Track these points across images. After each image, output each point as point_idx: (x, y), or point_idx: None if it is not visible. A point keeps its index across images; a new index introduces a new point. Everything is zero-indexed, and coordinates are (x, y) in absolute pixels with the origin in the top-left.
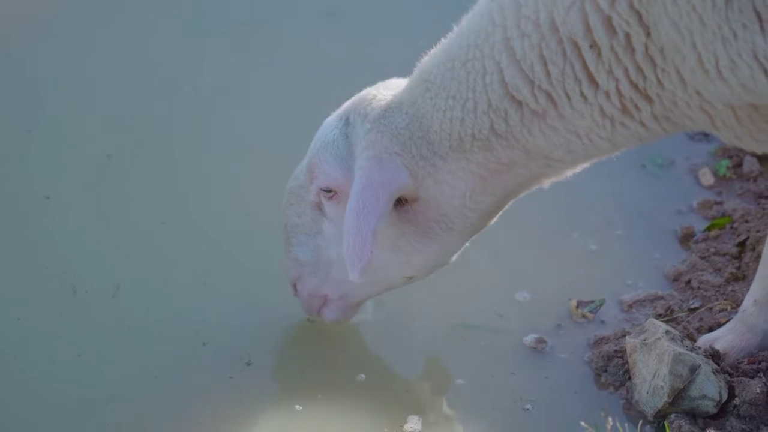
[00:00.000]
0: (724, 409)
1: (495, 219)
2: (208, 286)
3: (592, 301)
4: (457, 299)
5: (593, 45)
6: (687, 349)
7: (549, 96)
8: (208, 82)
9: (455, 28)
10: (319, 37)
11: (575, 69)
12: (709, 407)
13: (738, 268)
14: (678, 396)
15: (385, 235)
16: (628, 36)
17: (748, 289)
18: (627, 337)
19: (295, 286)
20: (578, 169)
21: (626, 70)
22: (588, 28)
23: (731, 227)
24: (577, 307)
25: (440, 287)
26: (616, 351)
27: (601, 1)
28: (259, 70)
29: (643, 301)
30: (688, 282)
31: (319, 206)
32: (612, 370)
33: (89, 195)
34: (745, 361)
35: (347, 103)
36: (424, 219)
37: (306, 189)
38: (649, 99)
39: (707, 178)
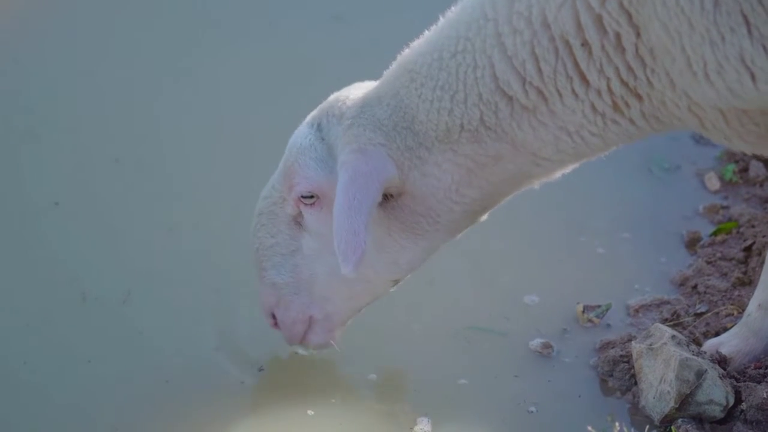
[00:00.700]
0: (730, 414)
1: (484, 217)
2: (219, 293)
3: (599, 306)
4: (465, 302)
5: (584, 43)
6: (693, 354)
7: (540, 92)
8: (216, 87)
9: (441, 21)
10: (324, 41)
11: (567, 67)
12: (716, 412)
13: (744, 273)
14: (685, 401)
15: (371, 237)
16: (618, 35)
17: None
18: (633, 342)
19: (273, 316)
20: (567, 169)
21: (617, 69)
22: (579, 26)
23: (737, 232)
24: (584, 311)
25: (449, 290)
26: (622, 356)
27: (591, 0)
28: (265, 75)
29: (650, 305)
30: (695, 287)
31: (296, 220)
32: (618, 374)
33: (98, 201)
34: (752, 365)
35: (314, 112)
36: (410, 213)
37: (281, 204)
38: (639, 97)
39: (713, 182)
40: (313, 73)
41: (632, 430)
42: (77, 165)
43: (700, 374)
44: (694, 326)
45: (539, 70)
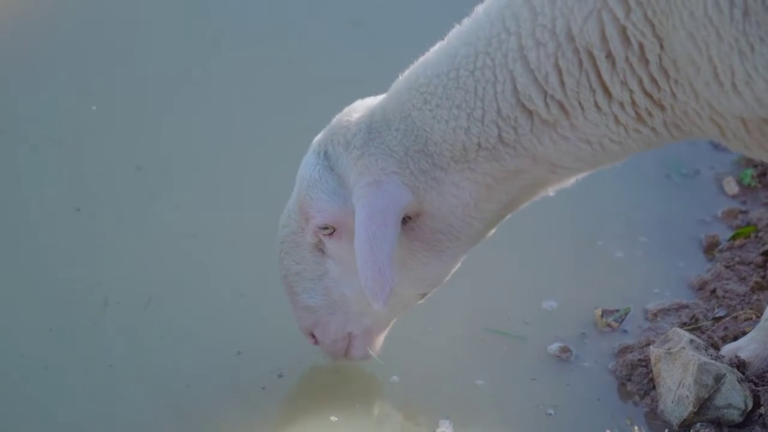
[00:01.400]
0: (749, 418)
1: (494, 230)
2: (242, 299)
3: (617, 310)
4: (484, 306)
5: (609, 55)
6: (711, 358)
7: (561, 106)
8: (235, 92)
9: (448, 39)
10: (344, 46)
11: (590, 79)
12: (735, 416)
13: (763, 278)
14: (703, 405)
15: (395, 258)
16: (642, 46)
17: None
18: (651, 346)
19: (312, 335)
20: (582, 175)
21: (641, 81)
22: (604, 38)
23: (756, 236)
24: (602, 316)
25: (468, 294)
26: (640, 360)
27: (617, 11)
28: (285, 80)
29: (668, 310)
30: (713, 291)
31: (318, 247)
32: (636, 379)
33: (119, 207)
34: None
35: (318, 137)
36: (431, 232)
37: (301, 233)
38: (662, 107)
39: (732, 187)
40: (332, 79)
41: None
42: (98, 171)
43: (718, 378)
44: (713, 330)
45: (562, 83)
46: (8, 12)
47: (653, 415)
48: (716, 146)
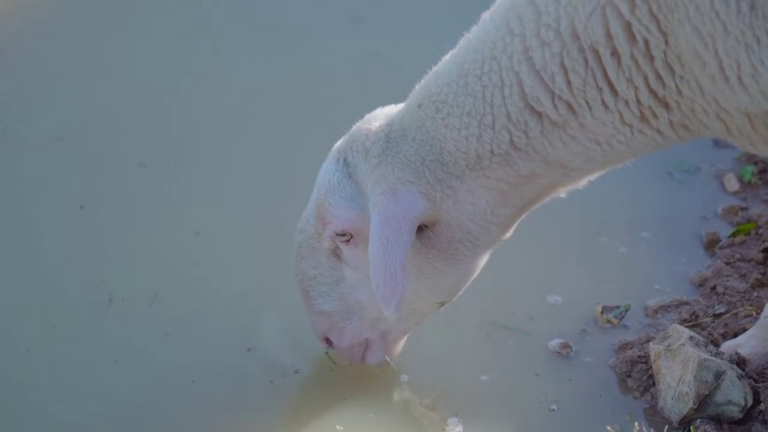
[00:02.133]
0: (749, 415)
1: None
2: (246, 297)
3: (617, 307)
4: (490, 300)
5: (614, 53)
6: (711, 355)
7: (569, 106)
8: (238, 88)
9: (459, 46)
10: (343, 42)
11: (596, 77)
12: (735, 413)
13: (763, 274)
14: (703, 402)
15: (411, 265)
16: (647, 43)
17: None
18: (651, 343)
19: (327, 340)
20: (594, 176)
21: (646, 78)
22: (609, 35)
23: (756, 233)
24: (602, 312)
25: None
26: (640, 356)
27: (621, 7)
28: (287, 76)
29: (668, 306)
30: (714, 288)
31: (335, 252)
32: (636, 375)
33: (123, 204)
34: None
35: (338, 144)
36: (447, 241)
37: (318, 238)
38: (667, 106)
39: (732, 184)
40: (333, 74)
41: (651, 430)
42: (102, 169)
43: (718, 375)
44: (713, 327)
45: (568, 83)
46: (12, 10)
47: (653, 412)
48: (717, 143)
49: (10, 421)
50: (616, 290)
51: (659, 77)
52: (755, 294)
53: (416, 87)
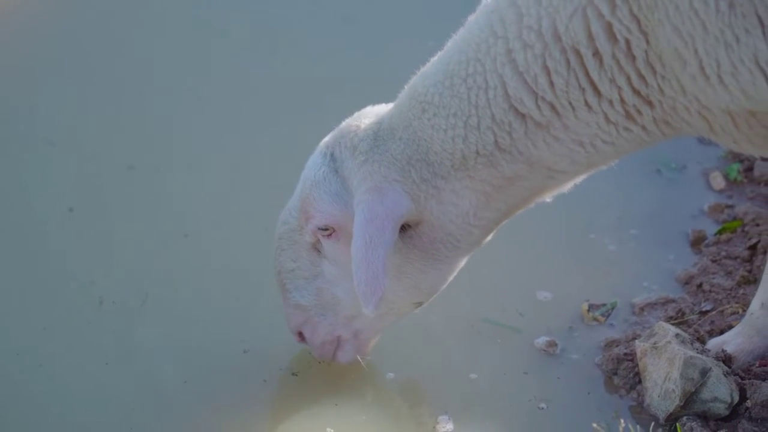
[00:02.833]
0: (735, 412)
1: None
2: (239, 297)
3: (604, 305)
4: (479, 297)
5: (596, 53)
6: (697, 352)
7: (553, 107)
8: (228, 91)
9: (447, 47)
10: (334, 43)
11: (579, 78)
12: (721, 410)
13: (749, 272)
14: (690, 399)
15: (391, 264)
16: (628, 43)
17: None
18: (636, 341)
19: (300, 334)
20: (578, 180)
21: (628, 78)
22: (590, 36)
23: (742, 230)
24: (589, 310)
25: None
26: (626, 354)
27: (602, 8)
28: (277, 79)
29: (655, 304)
30: (700, 285)
31: (315, 247)
32: (622, 373)
33: (112, 207)
34: (756, 363)
35: (326, 139)
36: (429, 241)
37: (299, 231)
38: (650, 104)
39: (718, 181)
40: (324, 76)
41: (637, 427)
42: (91, 172)
43: (704, 372)
44: (699, 324)
45: (551, 84)
46: (1, 12)
47: (640, 409)
48: (702, 141)
49: (1, 423)
50: (604, 287)
51: (641, 77)
52: (741, 291)
53: (405, 87)
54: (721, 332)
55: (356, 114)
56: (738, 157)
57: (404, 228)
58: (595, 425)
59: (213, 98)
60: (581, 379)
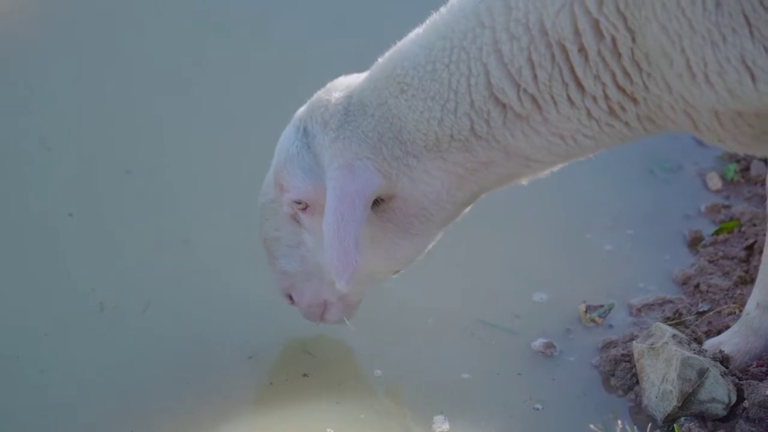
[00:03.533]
0: (733, 412)
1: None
2: (242, 305)
3: (601, 306)
4: (474, 297)
5: (581, 49)
6: (694, 353)
7: (534, 100)
8: (223, 94)
9: (426, 27)
10: (328, 45)
11: (563, 73)
12: (719, 410)
13: (746, 272)
14: (687, 400)
15: (365, 236)
16: (614, 40)
17: None
18: (634, 342)
19: (289, 297)
20: (556, 168)
21: (614, 75)
22: (577, 32)
23: (739, 231)
24: (586, 311)
25: (459, 285)
26: (623, 355)
27: (589, 4)
28: (271, 80)
29: (652, 305)
30: (697, 286)
31: (294, 217)
32: (620, 374)
33: (111, 212)
34: (754, 363)
35: (300, 111)
36: (403, 215)
37: (278, 202)
38: (635, 101)
39: (715, 182)
40: (317, 78)
41: (635, 428)
42: (89, 176)
43: (702, 373)
44: (696, 325)
45: (535, 77)
46: None
47: (637, 410)
48: (699, 141)
49: (2, 428)
50: (601, 288)
51: (627, 74)
52: (738, 292)
53: (378, 61)
54: (719, 333)
55: (328, 85)
56: (735, 158)
57: (377, 202)
58: (592, 426)
59: (208, 102)
60: (578, 381)
